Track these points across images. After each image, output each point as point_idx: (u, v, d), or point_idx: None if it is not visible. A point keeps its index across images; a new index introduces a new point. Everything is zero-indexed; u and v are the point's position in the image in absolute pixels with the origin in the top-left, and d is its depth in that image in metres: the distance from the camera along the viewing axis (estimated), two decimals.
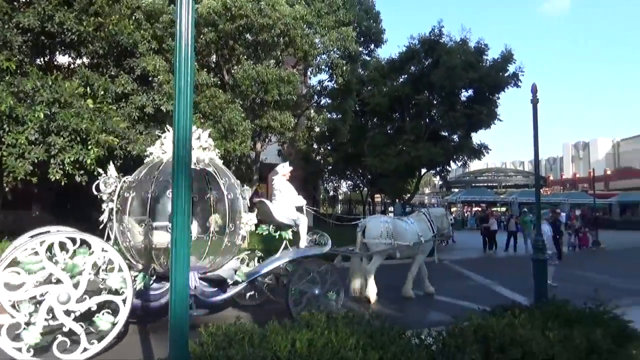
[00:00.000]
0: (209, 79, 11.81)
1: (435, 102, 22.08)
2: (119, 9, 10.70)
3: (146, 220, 6.04)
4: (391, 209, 32.59)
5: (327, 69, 14.76)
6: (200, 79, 11.56)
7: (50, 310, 5.02)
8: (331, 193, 38.84)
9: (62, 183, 9.53)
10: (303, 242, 7.41)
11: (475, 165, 51.48)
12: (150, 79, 11.11)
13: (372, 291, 8.49)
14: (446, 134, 23.10)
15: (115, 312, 5.33)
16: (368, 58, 22.19)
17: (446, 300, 8.94)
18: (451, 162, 23.69)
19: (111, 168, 6.44)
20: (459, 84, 20.46)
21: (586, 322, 4.79)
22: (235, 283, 6.64)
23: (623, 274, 12.11)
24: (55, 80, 9.65)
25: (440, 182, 46.04)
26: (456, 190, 45.38)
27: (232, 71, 12.71)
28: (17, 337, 4.95)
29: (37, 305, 5.02)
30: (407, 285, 9.12)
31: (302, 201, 7.66)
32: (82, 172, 9.49)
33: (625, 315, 5.12)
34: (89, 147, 9.40)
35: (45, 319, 5.02)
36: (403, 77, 22.82)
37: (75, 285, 5.12)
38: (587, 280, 10.66)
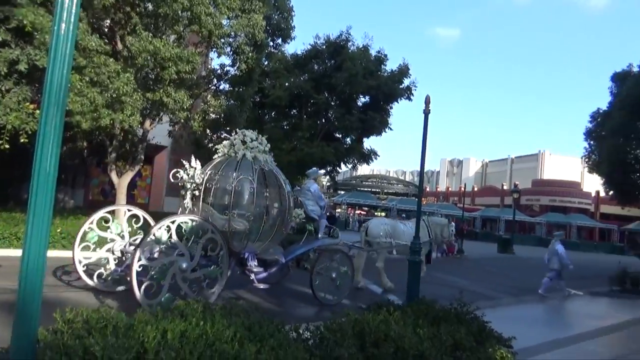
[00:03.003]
0: (99, 45, 10.69)
1: (333, 104, 22.56)
2: None
3: (230, 208, 7.08)
4: None
5: (231, 53, 14.23)
6: (89, 44, 10.41)
7: (173, 276, 6.23)
8: None
9: None
10: (321, 233, 8.87)
11: (362, 170, 53.72)
12: (31, 33, 9.71)
13: (386, 281, 10.22)
14: (340, 136, 23.73)
15: (214, 282, 6.67)
16: (274, 50, 21.99)
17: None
18: (342, 163, 24.38)
19: (195, 161, 7.35)
20: (358, 90, 21.13)
21: (451, 321, 5.12)
22: (275, 262, 7.92)
23: (480, 280, 13.37)
24: None
25: (329, 183, 47.11)
26: (342, 192, 46.89)
27: (127, 40, 11.64)
28: (151, 295, 6.05)
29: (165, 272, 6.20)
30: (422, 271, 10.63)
31: (325, 201, 9.37)
32: None
33: (484, 316, 5.59)
34: None
35: (170, 283, 6.21)
36: (305, 75, 22.99)
37: (192, 257, 6.38)
38: (451, 283, 11.58)
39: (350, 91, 21.01)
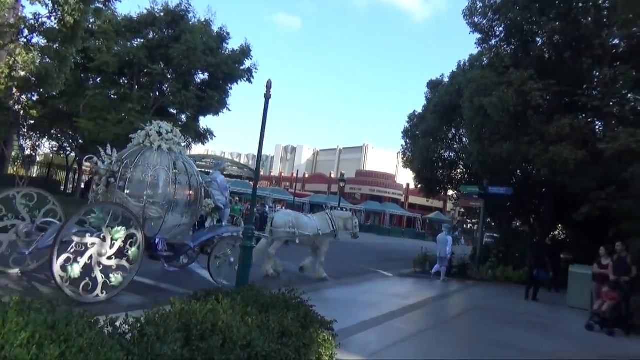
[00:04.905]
0: None
1: (169, 77, 21.23)
2: None
3: (145, 196, 7.66)
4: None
5: (49, 1, 12.16)
6: None
7: (90, 257, 6.49)
8: (27, 152, 32.79)
9: None
10: (225, 221, 9.72)
11: (196, 149, 52.04)
12: None
13: (269, 267, 10.89)
14: (175, 111, 22.51)
15: (124, 270, 6.88)
16: (104, 8, 19.65)
17: (148, 282, 8.50)
18: None
19: (112, 150, 7.77)
20: (197, 65, 20.21)
21: (280, 307, 5.19)
22: (183, 247, 8.63)
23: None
24: None
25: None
26: None
27: None
28: (65, 268, 6.24)
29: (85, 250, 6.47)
30: (320, 270, 11.66)
31: (229, 191, 10.31)
32: None
33: (309, 300, 5.79)
34: None
35: (85, 263, 6.43)
36: (139, 41, 21.14)
37: (111, 246, 6.70)
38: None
39: (189, 66, 20.00)
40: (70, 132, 25.18)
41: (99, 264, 6.56)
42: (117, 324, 3.64)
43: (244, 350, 3.61)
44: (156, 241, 7.81)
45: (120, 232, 6.80)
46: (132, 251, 6.87)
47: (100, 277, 6.50)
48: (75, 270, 6.28)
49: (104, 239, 6.62)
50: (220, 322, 3.90)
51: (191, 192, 8.42)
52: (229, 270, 8.87)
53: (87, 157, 7.81)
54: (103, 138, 19.07)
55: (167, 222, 7.94)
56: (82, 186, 30.38)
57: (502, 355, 6.71)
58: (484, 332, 8.22)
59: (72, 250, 6.40)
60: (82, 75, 21.22)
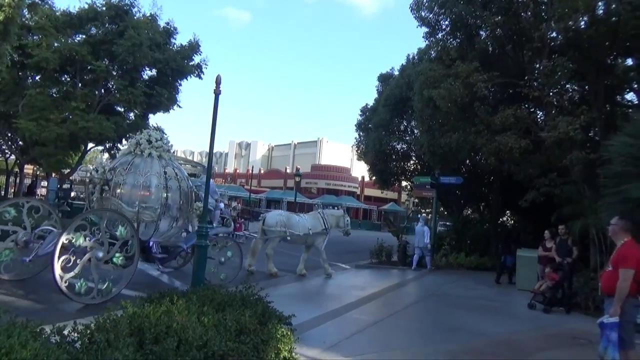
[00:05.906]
0: None
1: (114, 74, 20.44)
2: None
3: (139, 202, 8.03)
4: (45, 183, 28.40)
5: None
6: None
7: (92, 248, 6.84)
8: None
9: None
10: (215, 223, 10.15)
11: None
12: None
13: (271, 267, 11.29)
14: (122, 109, 21.75)
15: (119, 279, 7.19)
16: (39, 2, 18.64)
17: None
18: (124, 140, 22.42)
19: (105, 160, 6.73)
20: (143, 61, 19.56)
21: (237, 304, 5.14)
22: (177, 249, 9.10)
23: (264, 259, 13.86)
24: None
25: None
26: None
27: None
28: (67, 269, 6.56)
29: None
30: (325, 266, 12.03)
31: (218, 194, 10.80)
32: None
33: (267, 296, 5.77)
34: None
35: (89, 245, 6.82)
36: (81, 36, 20.24)
37: (105, 262, 7.02)
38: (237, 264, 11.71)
39: (135, 62, 19.32)
40: (9, 134, 23.83)
41: (89, 261, 6.79)
42: (66, 332, 3.50)
43: (200, 351, 3.55)
44: (150, 244, 8.31)
45: (119, 259, 7.11)
46: (107, 285, 6.91)
47: (77, 270, 6.65)
48: (80, 239, 6.64)
49: (109, 251, 7.01)
50: (175, 324, 3.82)
51: (181, 195, 8.79)
52: (221, 269, 9.30)
53: (81, 166, 8.39)
54: (45, 138, 18.20)
55: (160, 226, 8.36)
56: (25, 190, 28.91)
57: (455, 339, 6.93)
58: (438, 318, 8.48)
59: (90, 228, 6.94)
60: (20, 73, 20.11)
